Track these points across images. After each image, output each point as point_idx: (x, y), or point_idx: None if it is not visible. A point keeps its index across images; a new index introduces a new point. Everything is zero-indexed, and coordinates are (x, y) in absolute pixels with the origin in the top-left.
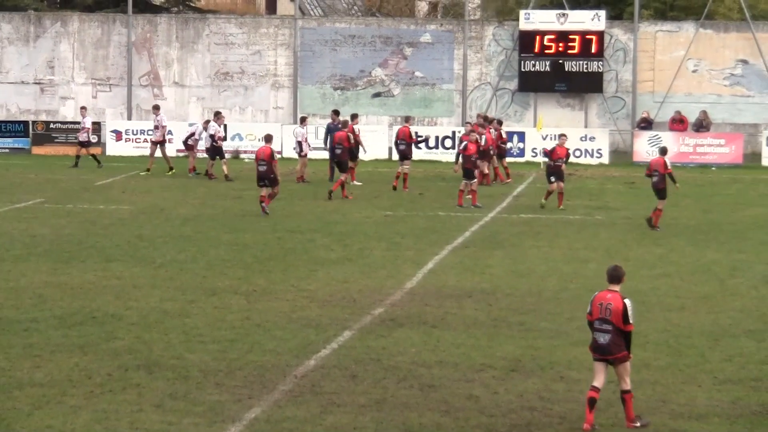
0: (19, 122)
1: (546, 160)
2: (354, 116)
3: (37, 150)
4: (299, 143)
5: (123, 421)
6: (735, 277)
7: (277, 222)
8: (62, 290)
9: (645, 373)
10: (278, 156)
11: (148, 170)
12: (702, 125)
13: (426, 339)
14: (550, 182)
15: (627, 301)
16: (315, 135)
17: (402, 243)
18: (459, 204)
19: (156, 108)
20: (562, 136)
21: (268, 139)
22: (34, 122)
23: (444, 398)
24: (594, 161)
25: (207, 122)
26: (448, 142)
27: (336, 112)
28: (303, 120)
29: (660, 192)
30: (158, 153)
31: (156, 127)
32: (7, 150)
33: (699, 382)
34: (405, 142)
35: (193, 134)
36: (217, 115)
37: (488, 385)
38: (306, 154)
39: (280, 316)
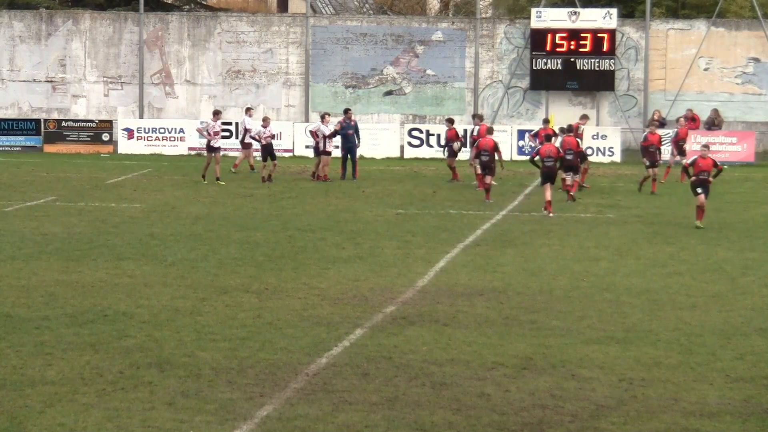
0: (31, 120)
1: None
2: (584, 116)
3: (48, 148)
4: (324, 139)
5: (135, 419)
6: (746, 275)
7: (288, 220)
8: (74, 288)
9: (656, 371)
10: (288, 154)
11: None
12: (714, 124)
13: (437, 337)
14: (696, 194)
15: None
16: None
17: (413, 241)
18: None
19: (216, 113)
20: (704, 146)
21: (490, 131)
22: (45, 120)
23: (455, 396)
24: (606, 159)
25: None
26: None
27: (346, 111)
28: (323, 117)
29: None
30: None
31: (216, 133)
32: (19, 148)
33: (710, 381)
34: (573, 152)
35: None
36: (323, 118)
37: (500, 383)
38: (330, 152)
39: (291, 315)
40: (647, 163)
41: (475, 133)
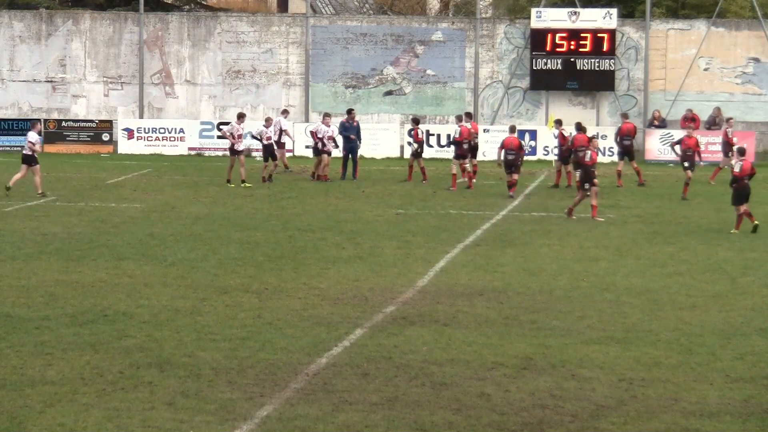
0: (31, 120)
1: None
2: (624, 115)
3: (48, 148)
4: (321, 140)
5: (135, 419)
6: (746, 275)
7: (288, 220)
8: (74, 288)
9: (656, 371)
10: (287, 154)
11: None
12: (715, 122)
13: (437, 337)
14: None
15: None
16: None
17: (413, 241)
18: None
19: (241, 116)
20: (738, 151)
21: (513, 129)
22: (45, 120)
23: (455, 396)
24: (606, 159)
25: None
26: None
27: (349, 111)
28: (326, 116)
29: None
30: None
31: (240, 136)
32: (19, 148)
33: (710, 381)
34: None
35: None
36: (327, 116)
37: (500, 383)
38: (331, 151)
39: (291, 315)
40: (686, 165)
41: (465, 133)
